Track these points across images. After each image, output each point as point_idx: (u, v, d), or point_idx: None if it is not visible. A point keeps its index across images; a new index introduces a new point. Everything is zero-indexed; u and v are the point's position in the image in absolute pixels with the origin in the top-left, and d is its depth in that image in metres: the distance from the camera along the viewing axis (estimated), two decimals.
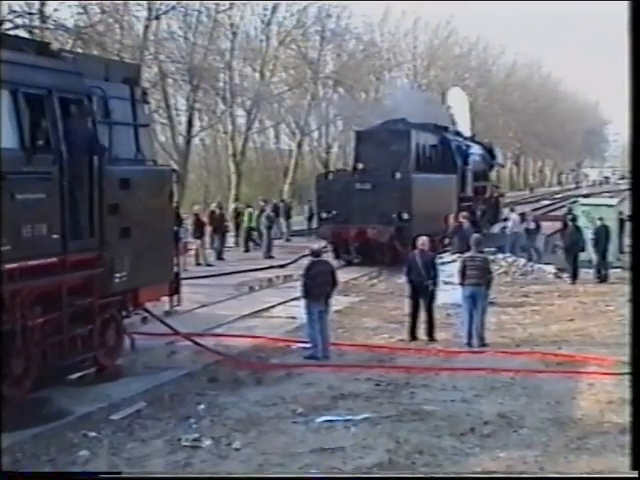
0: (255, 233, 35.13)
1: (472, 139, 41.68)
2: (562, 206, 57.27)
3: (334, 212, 28.93)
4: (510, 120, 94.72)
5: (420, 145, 32.40)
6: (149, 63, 40.16)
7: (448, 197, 32.72)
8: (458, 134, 39.34)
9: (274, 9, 50.00)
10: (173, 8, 41.04)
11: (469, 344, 16.05)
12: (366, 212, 28.11)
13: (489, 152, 42.62)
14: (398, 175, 28.57)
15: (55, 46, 16.28)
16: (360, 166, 29.88)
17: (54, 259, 11.69)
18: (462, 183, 35.35)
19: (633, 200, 8.16)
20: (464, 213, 27.16)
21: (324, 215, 29.42)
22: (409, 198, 28.36)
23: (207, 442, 10.34)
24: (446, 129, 37.28)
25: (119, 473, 9.35)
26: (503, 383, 13.26)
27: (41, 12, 32.38)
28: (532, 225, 30.31)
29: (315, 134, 62.69)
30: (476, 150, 39.63)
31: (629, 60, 7.79)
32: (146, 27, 39.68)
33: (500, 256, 27.17)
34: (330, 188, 29.74)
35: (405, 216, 28.09)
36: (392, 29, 71.13)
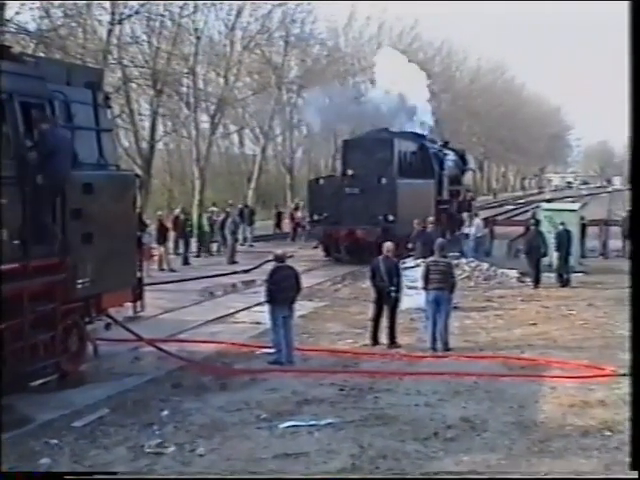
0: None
1: (446, 146, 43.65)
2: (525, 211, 57.68)
3: (325, 214, 31.62)
4: (474, 125, 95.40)
5: (402, 152, 34.98)
6: (112, 67, 39.88)
7: (428, 200, 35.45)
8: (433, 141, 41.57)
9: (238, 14, 49.78)
10: (137, 12, 40.74)
11: (433, 348, 16.11)
12: (355, 214, 30.73)
13: (461, 158, 44.83)
14: (384, 180, 31.26)
15: (16, 50, 16.10)
16: (349, 172, 32.44)
17: (15, 265, 11.57)
18: (439, 187, 38.10)
19: (633, 200, 8.20)
20: (430, 218, 27.69)
21: (316, 217, 32.15)
22: (394, 201, 31.05)
23: (171, 448, 10.31)
24: (424, 137, 39.88)
25: (115, 473, 9.38)
26: (466, 387, 13.32)
27: (1, 15, 32.05)
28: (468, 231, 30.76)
29: (279, 139, 62.69)
30: (450, 156, 41.85)
31: (629, 60, 7.84)
32: (109, 31, 39.38)
33: (463, 261, 27.36)
34: (322, 192, 32.36)
35: (391, 217, 30.70)
36: (356, 34, 71.30)
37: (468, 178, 48.64)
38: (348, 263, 30.55)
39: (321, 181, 34.35)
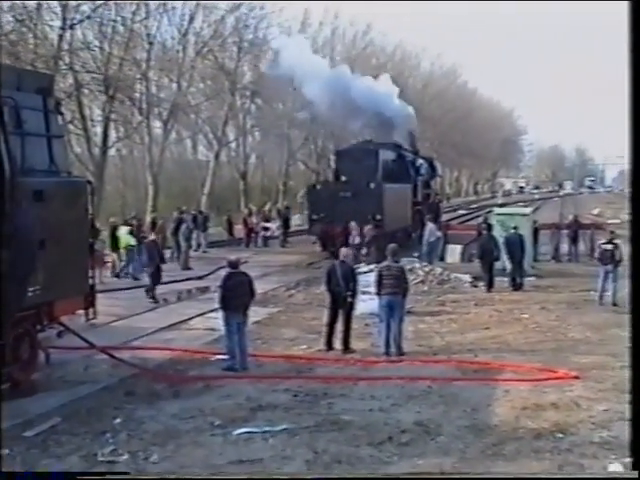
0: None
1: (416, 154, 47.52)
2: (478, 215, 58.12)
3: (322, 214, 36.29)
4: (427, 130, 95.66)
5: (385, 161, 40.25)
6: (64, 73, 39.48)
7: (407, 202, 41.29)
8: (407, 150, 45.83)
9: (191, 19, 49.48)
10: (88, 17, 40.36)
11: (387, 353, 16.16)
12: (348, 214, 34.28)
13: (430, 165, 49.16)
14: (372, 185, 36.11)
15: None
16: (343, 178, 38.58)
17: None
18: (415, 191, 43.43)
19: (633, 201, 8.25)
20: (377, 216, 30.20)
21: (314, 217, 37.03)
22: (381, 203, 35.73)
23: (124, 456, 10.23)
24: (400, 146, 44.71)
25: (127, 473, 9.36)
26: (420, 392, 13.37)
27: None
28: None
29: (233, 145, 62.50)
30: (423, 164, 46.30)
31: (629, 61, 7.87)
32: (60, 36, 38.90)
33: (417, 265, 27.47)
34: (319, 196, 37.55)
35: (378, 217, 34.87)
36: (310, 40, 71.27)
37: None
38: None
39: (318, 186, 39.81)
